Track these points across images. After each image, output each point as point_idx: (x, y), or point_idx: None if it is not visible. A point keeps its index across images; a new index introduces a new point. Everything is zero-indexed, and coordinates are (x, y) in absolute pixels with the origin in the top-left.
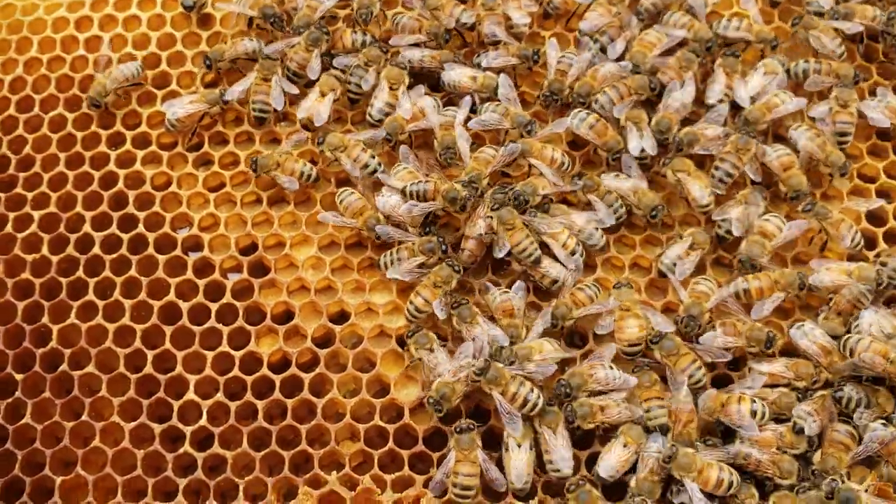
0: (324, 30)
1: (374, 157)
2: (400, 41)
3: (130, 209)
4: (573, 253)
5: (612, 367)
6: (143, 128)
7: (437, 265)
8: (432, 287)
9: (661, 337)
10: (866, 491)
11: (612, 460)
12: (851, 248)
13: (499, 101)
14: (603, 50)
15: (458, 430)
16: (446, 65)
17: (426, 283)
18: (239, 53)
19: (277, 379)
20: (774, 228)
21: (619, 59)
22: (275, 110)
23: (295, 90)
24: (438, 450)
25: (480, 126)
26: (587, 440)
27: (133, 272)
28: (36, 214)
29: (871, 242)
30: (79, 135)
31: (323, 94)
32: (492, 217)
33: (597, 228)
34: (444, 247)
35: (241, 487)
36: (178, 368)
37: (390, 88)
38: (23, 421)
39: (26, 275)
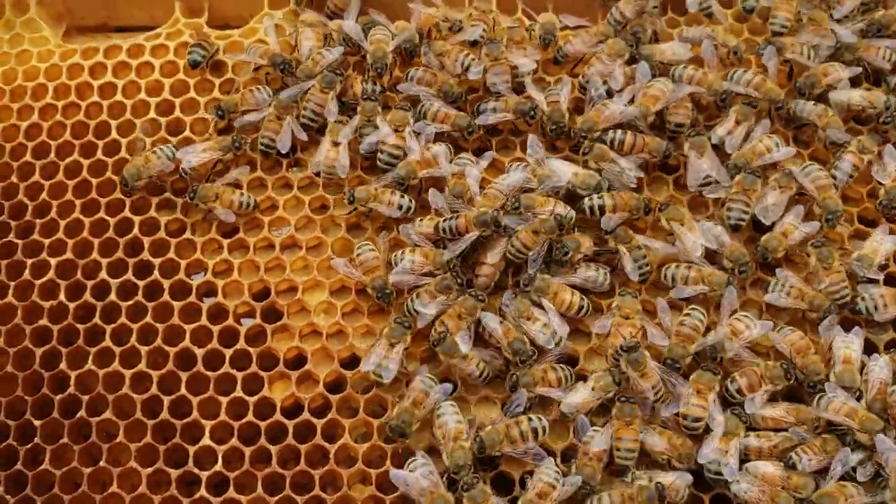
0: (337, 72)
1: (404, 197)
2: (409, 89)
3: (146, 255)
4: (580, 309)
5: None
6: None
7: (460, 297)
8: (456, 318)
9: (632, 349)
10: None
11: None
12: (825, 291)
13: (527, 161)
14: (609, 94)
15: (465, 488)
16: (551, 158)
17: (451, 313)
18: (250, 105)
19: (290, 424)
20: (744, 328)
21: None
22: (279, 152)
23: (304, 136)
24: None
25: (508, 188)
26: None
27: (149, 318)
28: (53, 261)
29: None
30: (94, 181)
31: (336, 144)
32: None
33: (598, 269)
34: (460, 281)
35: None
36: (194, 414)
37: (395, 131)
38: (42, 467)
39: (44, 321)
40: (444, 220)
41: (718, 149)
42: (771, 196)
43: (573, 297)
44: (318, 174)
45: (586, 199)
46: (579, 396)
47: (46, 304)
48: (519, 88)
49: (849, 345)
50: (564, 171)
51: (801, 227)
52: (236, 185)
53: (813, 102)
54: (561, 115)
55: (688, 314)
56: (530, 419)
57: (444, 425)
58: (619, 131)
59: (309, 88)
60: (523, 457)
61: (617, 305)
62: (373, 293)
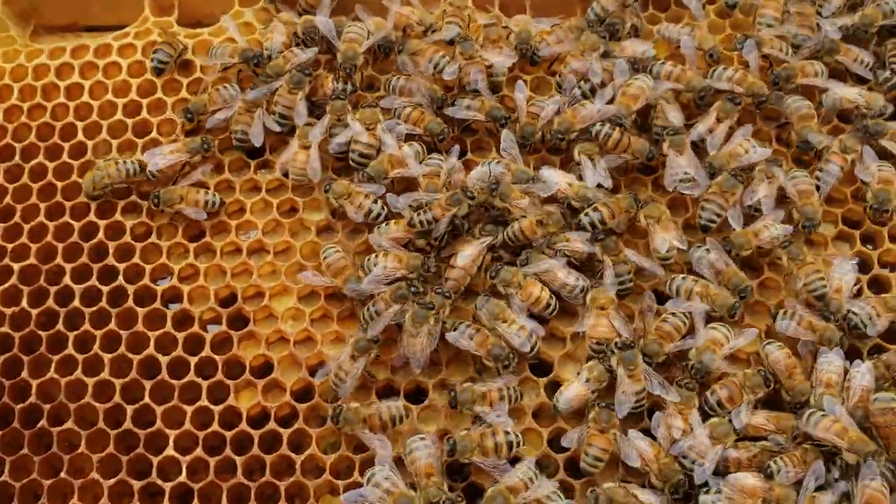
0: (305, 71)
1: (377, 203)
2: (391, 103)
3: (110, 260)
4: (548, 306)
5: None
6: None
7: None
8: None
9: (627, 347)
10: None
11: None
12: (802, 290)
13: (501, 156)
14: (593, 91)
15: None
16: (544, 168)
17: (408, 330)
18: (219, 104)
19: (256, 434)
20: (722, 337)
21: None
22: (253, 147)
23: (277, 128)
24: None
25: (481, 175)
26: None
27: (113, 325)
28: (16, 266)
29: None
30: (59, 184)
31: (305, 147)
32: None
33: (578, 279)
34: (414, 290)
35: None
36: (158, 423)
37: (367, 129)
38: (1, 478)
39: (6, 328)
40: (418, 215)
41: (698, 147)
42: (761, 189)
43: (542, 292)
44: (286, 176)
45: (583, 216)
46: (573, 391)
47: (8, 311)
48: (494, 87)
49: (833, 368)
50: (557, 179)
51: (772, 229)
52: (200, 184)
53: (801, 97)
54: (531, 132)
55: (673, 313)
56: (507, 432)
57: (415, 461)
58: (608, 126)
59: (277, 88)
60: (491, 470)
61: (592, 297)
62: (349, 293)
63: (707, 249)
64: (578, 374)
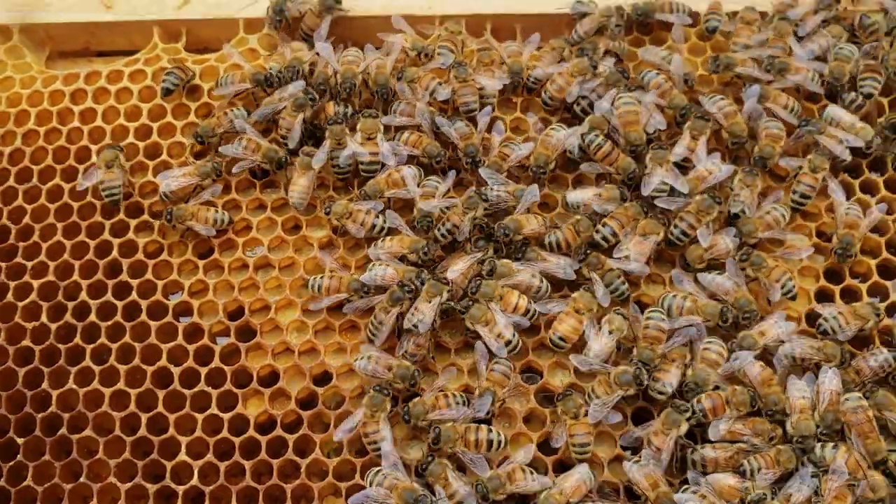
0: (310, 95)
1: (378, 217)
2: (391, 121)
3: (124, 276)
4: (527, 311)
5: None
6: (136, 197)
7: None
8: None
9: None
10: None
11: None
12: (783, 297)
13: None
14: (592, 106)
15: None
16: (570, 191)
17: (423, 298)
18: (227, 127)
19: (264, 440)
20: (717, 357)
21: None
22: (254, 174)
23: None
24: None
25: (489, 205)
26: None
27: (128, 338)
28: (35, 283)
29: (829, 300)
30: (75, 205)
31: (305, 175)
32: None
33: (542, 281)
34: (409, 291)
35: None
36: (171, 430)
37: (368, 139)
38: (24, 483)
39: (27, 342)
40: (438, 229)
41: (683, 167)
42: (743, 194)
43: (519, 300)
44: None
45: (595, 233)
46: (600, 343)
47: (29, 325)
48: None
49: (803, 394)
50: (583, 193)
51: (721, 242)
52: (209, 203)
53: (776, 119)
54: (497, 168)
55: (649, 317)
56: (490, 430)
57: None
58: (601, 137)
59: (281, 110)
60: (469, 464)
61: (574, 298)
62: (357, 294)
63: (718, 272)
64: (600, 328)
